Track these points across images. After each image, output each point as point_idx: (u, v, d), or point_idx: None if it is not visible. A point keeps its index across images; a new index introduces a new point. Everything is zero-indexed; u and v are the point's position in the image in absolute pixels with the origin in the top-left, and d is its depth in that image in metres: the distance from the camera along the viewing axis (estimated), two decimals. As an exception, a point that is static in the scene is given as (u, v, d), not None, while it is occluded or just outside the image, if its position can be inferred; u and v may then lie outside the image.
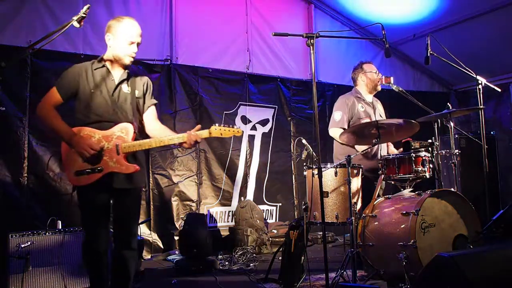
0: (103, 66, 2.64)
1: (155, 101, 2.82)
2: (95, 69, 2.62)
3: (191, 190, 5.22)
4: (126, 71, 2.70)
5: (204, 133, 2.60)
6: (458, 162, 3.81)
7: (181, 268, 4.09)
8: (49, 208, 4.21)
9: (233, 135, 2.66)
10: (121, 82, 2.65)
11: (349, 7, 6.26)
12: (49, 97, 2.57)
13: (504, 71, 6.23)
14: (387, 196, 3.53)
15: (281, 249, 3.59)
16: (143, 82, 2.77)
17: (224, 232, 5.23)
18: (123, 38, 2.59)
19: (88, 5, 2.33)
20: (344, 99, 4.15)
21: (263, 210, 5.62)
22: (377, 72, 4.22)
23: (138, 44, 2.66)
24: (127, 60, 2.64)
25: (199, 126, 2.62)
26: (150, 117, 2.77)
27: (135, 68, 4.69)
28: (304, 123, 6.13)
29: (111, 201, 2.63)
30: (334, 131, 4.05)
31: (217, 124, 2.63)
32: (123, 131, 2.56)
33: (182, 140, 2.55)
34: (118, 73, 2.67)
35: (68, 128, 2.52)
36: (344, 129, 3.98)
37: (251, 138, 5.77)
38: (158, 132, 2.70)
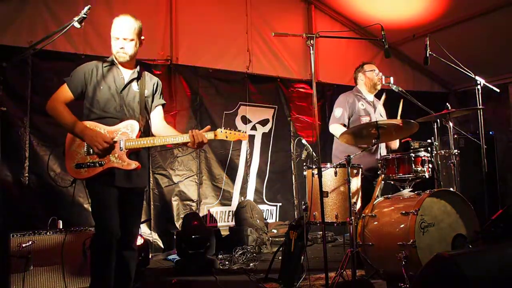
0: (113, 64, 2.68)
1: (163, 101, 2.86)
2: (105, 67, 2.66)
3: (191, 190, 5.24)
4: (136, 70, 2.73)
5: (210, 135, 2.59)
6: (457, 162, 3.82)
7: (181, 268, 4.09)
8: (50, 207, 4.22)
9: (237, 139, 2.66)
10: (131, 81, 2.69)
11: (349, 7, 6.27)
12: (59, 93, 2.61)
13: (503, 71, 6.24)
14: (387, 196, 3.54)
15: (281, 249, 3.60)
16: (153, 82, 2.82)
17: (224, 232, 5.23)
18: (111, 36, 2.62)
19: (89, 6, 2.36)
20: (344, 97, 4.19)
21: (263, 210, 5.62)
22: (377, 71, 4.24)
23: (131, 40, 2.60)
24: (119, 58, 2.65)
25: (208, 127, 2.62)
26: (156, 116, 2.82)
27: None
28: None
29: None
30: (334, 127, 4.07)
31: (223, 128, 2.64)
32: (129, 128, 2.58)
33: (187, 140, 2.55)
34: (127, 72, 2.71)
35: (79, 122, 2.54)
36: (344, 125, 4.02)
37: (251, 138, 5.78)
38: (164, 131, 2.75)
